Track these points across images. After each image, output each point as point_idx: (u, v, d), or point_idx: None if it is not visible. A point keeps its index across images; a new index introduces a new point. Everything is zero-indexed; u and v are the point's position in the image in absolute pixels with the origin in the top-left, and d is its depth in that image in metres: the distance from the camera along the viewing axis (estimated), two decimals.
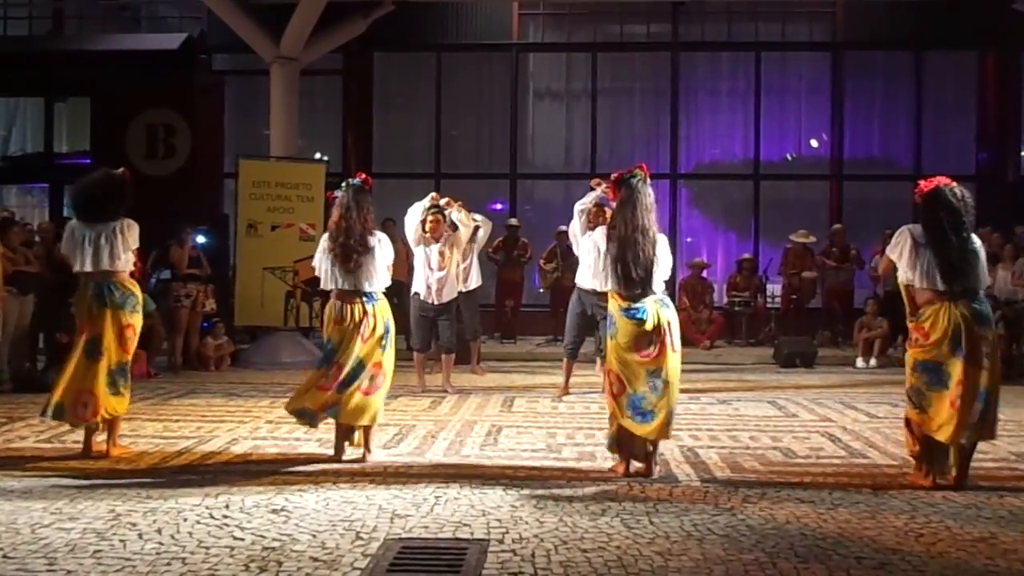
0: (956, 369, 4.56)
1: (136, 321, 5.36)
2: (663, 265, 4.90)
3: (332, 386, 5.07)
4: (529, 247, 12.23)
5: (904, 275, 4.74)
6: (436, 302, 7.95)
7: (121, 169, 5.59)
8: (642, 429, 4.77)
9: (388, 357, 5.20)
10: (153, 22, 14.69)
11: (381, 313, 5.18)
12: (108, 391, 5.24)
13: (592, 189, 7.22)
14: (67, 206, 11.39)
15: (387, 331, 5.19)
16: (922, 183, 4.82)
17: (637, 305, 4.78)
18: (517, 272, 12.24)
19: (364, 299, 5.15)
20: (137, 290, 5.41)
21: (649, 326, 4.76)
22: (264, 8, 11.67)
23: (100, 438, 5.40)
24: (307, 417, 5.17)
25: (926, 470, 4.68)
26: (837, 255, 11.83)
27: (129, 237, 5.33)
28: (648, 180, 4.94)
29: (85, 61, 12.16)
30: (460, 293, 8.30)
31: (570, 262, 11.30)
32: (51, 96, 12.82)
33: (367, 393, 5.10)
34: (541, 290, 12.43)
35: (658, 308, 4.80)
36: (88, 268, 5.28)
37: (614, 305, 4.90)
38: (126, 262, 5.34)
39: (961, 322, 4.55)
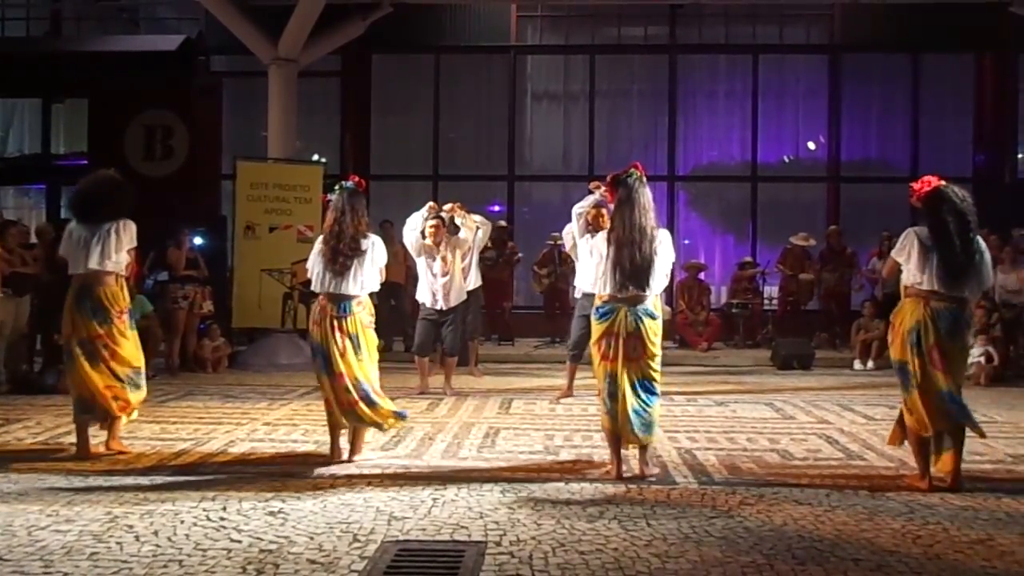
0: (915, 366, 4.60)
1: (107, 331, 5.26)
2: (666, 261, 4.87)
3: (357, 400, 5.11)
4: (516, 249, 12.22)
5: (911, 277, 4.73)
6: (443, 307, 7.96)
7: (112, 169, 5.59)
8: (609, 424, 4.87)
9: (366, 365, 5.18)
10: (151, 23, 14.67)
11: (349, 325, 5.13)
12: (126, 386, 5.30)
13: (591, 192, 7.22)
14: (66, 208, 11.37)
15: (356, 344, 5.14)
16: (915, 185, 4.81)
17: (609, 307, 4.82)
18: (505, 272, 12.22)
19: (340, 307, 5.14)
20: (117, 301, 5.31)
21: (613, 328, 4.78)
22: (262, 10, 11.67)
23: (96, 440, 5.40)
24: (380, 427, 5.27)
25: (922, 473, 4.69)
26: (830, 256, 11.88)
27: (124, 237, 5.31)
28: (644, 179, 4.93)
29: (83, 62, 12.15)
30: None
31: (565, 267, 11.32)
32: (49, 97, 12.81)
33: (380, 405, 5.19)
34: (539, 292, 12.42)
35: (626, 312, 4.77)
36: (80, 269, 5.28)
37: (594, 305, 4.96)
38: (117, 263, 5.30)
39: (924, 321, 4.58)
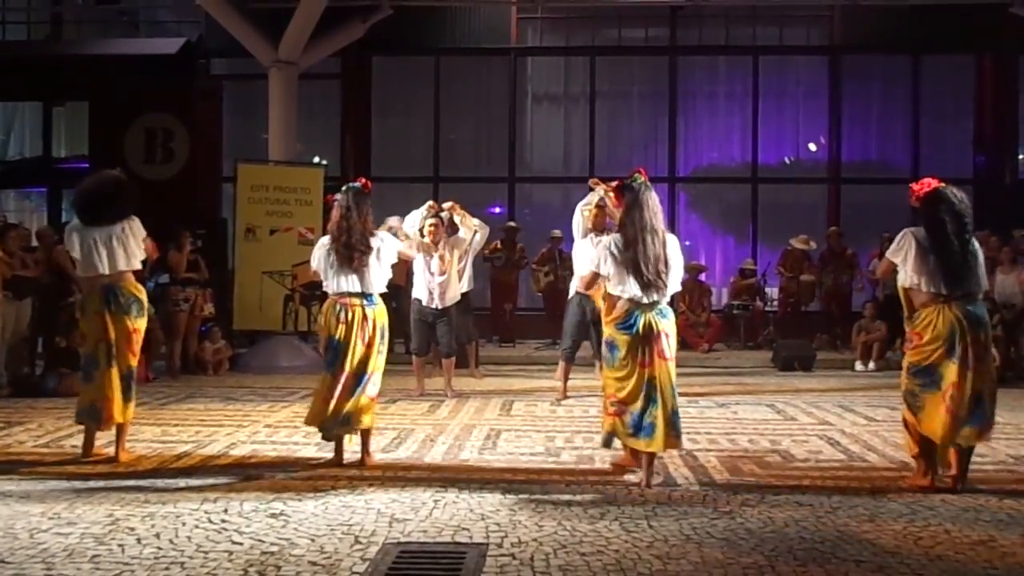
0: (950, 371, 4.57)
1: (141, 325, 5.39)
2: (676, 264, 4.88)
3: (341, 395, 5.08)
4: (524, 251, 12.25)
5: (907, 279, 4.73)
6: (439, 306, 7.96)
7: (117, 169, 5.60)
8: (650, 445, 4.72)
9: (381, 363, 5.22)
10: (151, 26, 14.68)
11: (378, 318, 5.19)
12: (122, 397, 5.27)
13: (591, 189, 7.21)
14: (71, 207, 11.39)
15: (382, 337, 5.20)
16: (914, 186, 4.82)
17: (633, 315, 4.76)
18: (513, 275, 12.26)
19: (364, 301, 5.17)
20: (142, 293, 5.43)
21: (640, 332, 4.73)
22: (262, 12, 11.68)
23: (100, 442, 5.40)
24: (328, 432, 5.20)
25: (924, 472, 4.68)
26: (831, 257, 11.90)
27: (138, 234, 5.38)
28: (649, 183, 4.94)
29: (83, 65, 12.17)
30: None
31: (564, 266, 11.32)
32: (49, 100, 12.82)
33: (371, 399, 5.17)
34: (537, 291, 12.42)
35: (650, 316, 4.75)
36: (105, 271, 5.25)
37: (609, 328, 4.86)
38: (138, 261, 5.40)
39: (956, 325, 4.57)
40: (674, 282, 4.87)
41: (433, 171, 13.83)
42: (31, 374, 8.51)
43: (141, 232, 5.41)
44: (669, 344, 4.77)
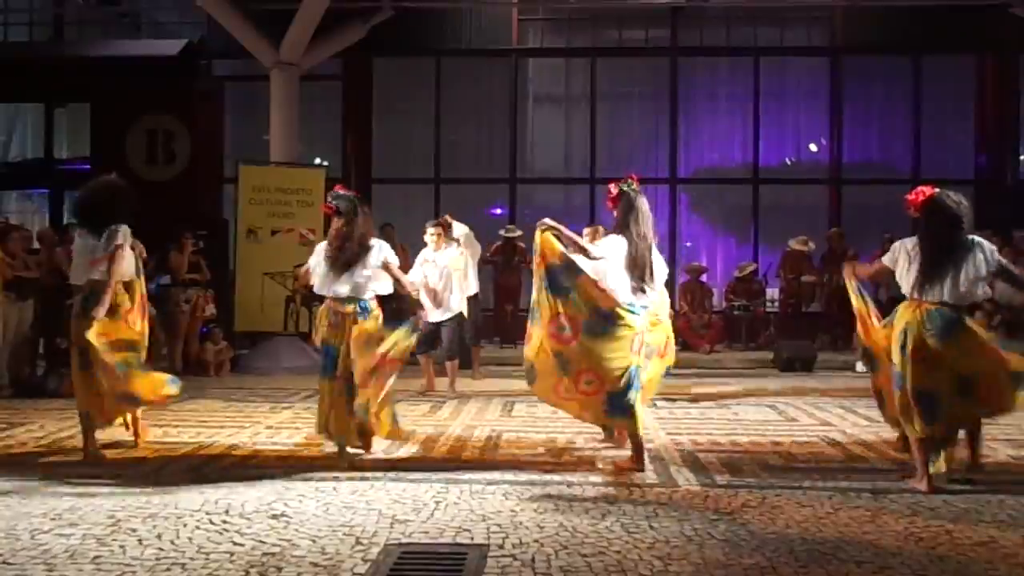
0: (906, 370, 4.63)
1: (114, 330, 5.26)
2: (659, 269, 5.22)
3: (345, 406, 5.10)
4: (524, 251, 12.24)
5: (901, 284, 4.82)
6: (440, 318, 8.11)
7: (112, 174, 5.58)
8: (639, 428, 5.17)
9: (391, 356, 5.16)
10: (153, 28, 14.68)
11: (370, 324, 5.15)
12: (138, 382, 5.33)
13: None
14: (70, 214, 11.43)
15: (367, 347, 5.10)
16: (910, 197, 4.85)
17: (637, 308, 5.07)
18: (514, 277, 12.24)
19: (356, 308, 5.15)
20: (121, 303, 5.27)
21: (638, 328, 5.05)
22: (264, 14, 11.69)
23: (105, 440, 5.41)
24: (339, 441, 5.21)
25: (922, 476, 4.69)
26: (832, 258, 11.90)
27: (107, 244, 5.22)
28: (640, 190, 5.16)
29: (85, 67, 12.18)
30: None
31: None
32: (51, 101, 12.83)
33: (380, 409, 5.16)
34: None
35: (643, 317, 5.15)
36: (79, 280, 5.32)
37: (620, 310, 4.97)
38: (111, 272, 5.22)
39: (915, 323, 4.61)
40: (659, 285, 5.21)
41: (434, 172, 13.83)
42: (33, 375, 8.52)
43: (108, 246, 5.18)
44: (645, 341, 5.18)
